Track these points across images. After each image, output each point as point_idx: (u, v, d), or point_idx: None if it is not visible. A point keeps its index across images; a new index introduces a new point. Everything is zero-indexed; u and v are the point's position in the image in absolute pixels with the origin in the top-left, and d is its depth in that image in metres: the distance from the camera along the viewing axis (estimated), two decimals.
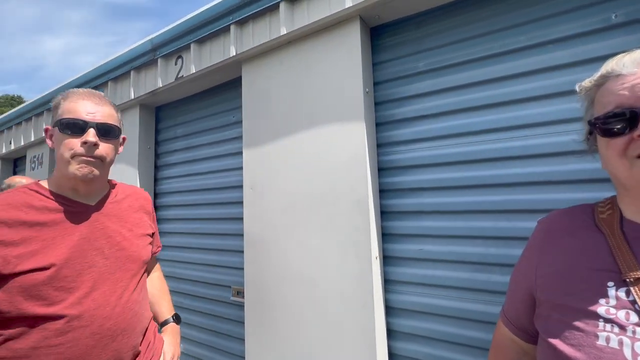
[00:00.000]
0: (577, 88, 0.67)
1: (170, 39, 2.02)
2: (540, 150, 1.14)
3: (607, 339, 0.52)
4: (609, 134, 0.58)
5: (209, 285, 1.97)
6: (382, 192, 1.44)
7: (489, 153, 1.22)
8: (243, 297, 1.72)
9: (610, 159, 0.60)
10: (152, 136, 2.38)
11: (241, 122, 1.87)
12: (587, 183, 1.06)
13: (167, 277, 2.24)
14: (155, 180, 2.39)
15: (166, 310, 1.21)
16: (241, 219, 1.78)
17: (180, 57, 2.02)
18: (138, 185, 2.27)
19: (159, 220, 2.35)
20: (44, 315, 0.83)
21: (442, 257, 1.29)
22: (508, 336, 0.77)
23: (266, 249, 1.61)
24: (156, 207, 2.37)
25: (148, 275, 1.23)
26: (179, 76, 2.00)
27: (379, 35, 1.49)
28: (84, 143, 0.90)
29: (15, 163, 3.98)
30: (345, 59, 1.42)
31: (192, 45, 1.92)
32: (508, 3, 1.23)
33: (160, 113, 2.41)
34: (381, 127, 1.46)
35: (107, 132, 0.95)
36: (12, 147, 3.46)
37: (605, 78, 0.60)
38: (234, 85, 1.96)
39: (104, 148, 0.94)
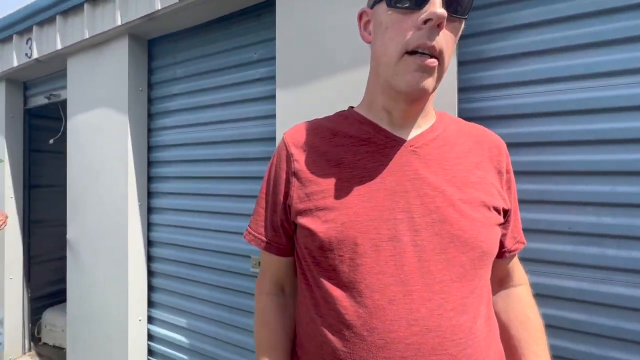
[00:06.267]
0: None
1: None
2: None
3: None
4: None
5: (222, 254, 1.69)
6: None
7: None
8: None
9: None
10: (144, 77, 1.94)
11: (265, 60, 1.53)
12: None
13: (168, 244, 1.92)
14: (149, 131, 1.99)
15: None
16: (261, 178, 1.48)
17: None
18: (129, 139, 1.88)
19: (153, 179, 1.99)
20: (327, 289, 0.57)
21: None
22: None
23: None
24: (149, 163, 2.00)
25: (498, 289, 0.73)
26: None
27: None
28: (424, 23, 0.50)
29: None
30: None
31: None
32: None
33: (154, 48, 1.96)
34: None
35: (458, 4, 0.52)
36: None
37: None
38: (256, 11, 1.56)
39: (445, 37, 0.53)
